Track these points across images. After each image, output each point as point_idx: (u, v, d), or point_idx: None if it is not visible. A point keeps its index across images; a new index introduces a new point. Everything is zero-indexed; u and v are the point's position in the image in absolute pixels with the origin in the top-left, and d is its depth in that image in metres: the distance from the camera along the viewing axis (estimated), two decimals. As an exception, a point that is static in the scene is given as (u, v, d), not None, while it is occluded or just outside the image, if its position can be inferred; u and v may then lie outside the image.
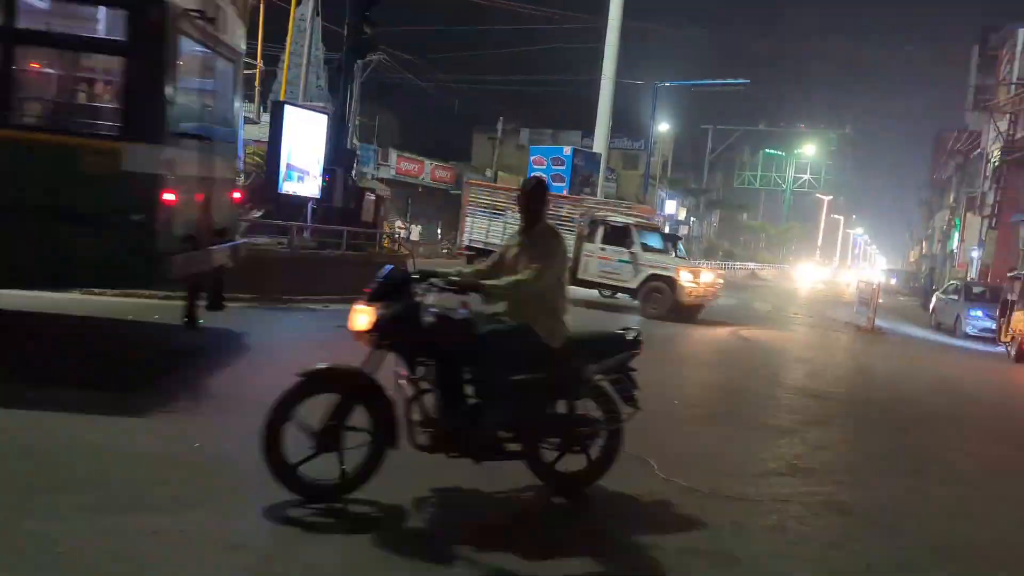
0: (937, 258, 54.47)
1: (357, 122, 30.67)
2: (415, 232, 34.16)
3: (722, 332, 15.72)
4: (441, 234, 40.74)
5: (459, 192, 41.85)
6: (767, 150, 61.02)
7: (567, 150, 25.54)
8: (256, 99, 17.43)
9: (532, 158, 26.15)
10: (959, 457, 7.24)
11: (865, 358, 14.57)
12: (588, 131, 60.33)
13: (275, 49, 21.51)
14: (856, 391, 10.46)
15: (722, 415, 7.78)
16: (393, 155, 35.75)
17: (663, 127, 45.69)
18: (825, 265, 49.95)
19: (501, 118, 45.28)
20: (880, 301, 20.96)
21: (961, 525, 5.18)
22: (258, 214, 16.36)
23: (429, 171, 38.92)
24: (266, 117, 21.63)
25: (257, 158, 16.48)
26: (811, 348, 15.05)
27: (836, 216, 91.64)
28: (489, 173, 44.85)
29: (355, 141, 21.81)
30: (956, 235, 47.29)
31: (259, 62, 17.11)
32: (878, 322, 20.13)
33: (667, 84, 33.52)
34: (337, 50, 21.34)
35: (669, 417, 7.43)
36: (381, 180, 31.77)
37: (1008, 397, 12.56)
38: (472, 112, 54.78)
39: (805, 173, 62.00)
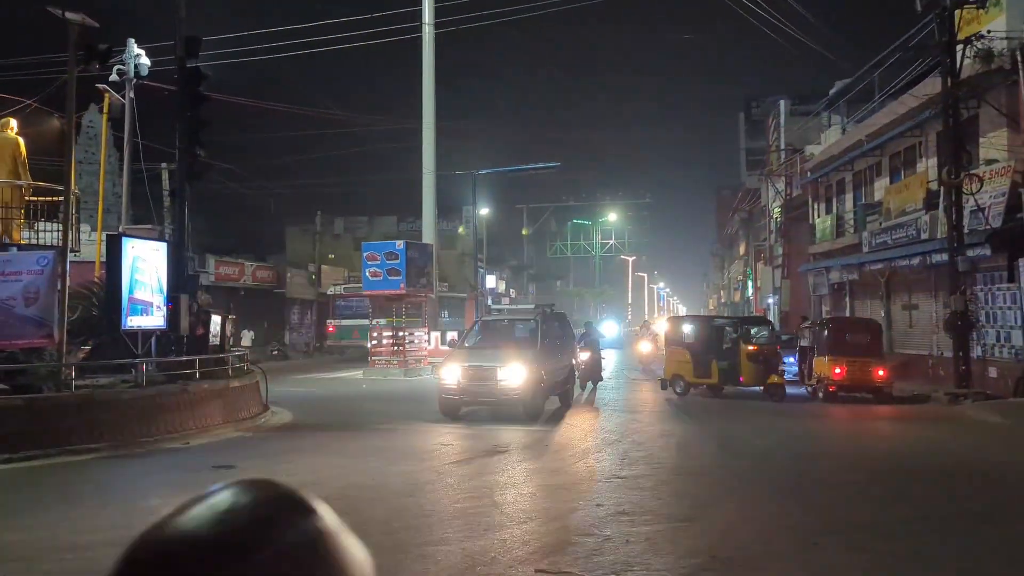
0: (738, 306, 59.37)
1: (170, 232, 29.35)
2: (247, 338, 32.79)
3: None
4: (268, 336, 39.33)
5: (282, 291, 40.85)
6: (575, 220, 64.57)
7: (399, 244, 25.75)
8: (74, 226, 16.31)
9: (365, 254, 26.10)
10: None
11: (695, 409, 15.68)
12: (403, 215, 61.27)
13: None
14: (695, 443, 11.26)
15: (627, 511, 8.16)
16: (211, 260, 34.37)
17: (483, 211, 47.18)
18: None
19: (319, 212, 44.89)
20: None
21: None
22: (88, 348, 15.24)
23: (250, 273, 37.71)
24: (84, 240, 20.28)
25: (84, 290, 15.39)
26: (667, 416, 16.00)
27: (641, 274, 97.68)
28: (312, 267, 44.15)
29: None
30: (751, 284, 51.92)
31: (74, 188, 16.11)
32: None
33: (484, 172, 34.85)
34: (136, 160, 20.52)
35: (582, 521, 7.72)
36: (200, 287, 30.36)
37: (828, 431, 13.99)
38: (282, 206, 54.00)
39: (611, 238, 66.04)
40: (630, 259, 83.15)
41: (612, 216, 62.99)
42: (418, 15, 28.50)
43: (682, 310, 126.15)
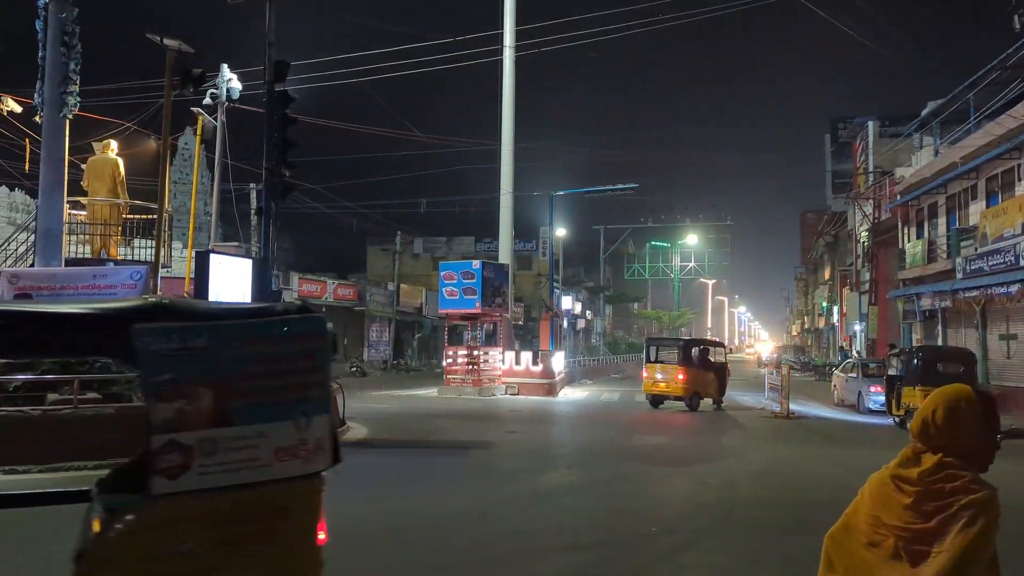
0: (823, 332, 57.60)
1: (256, 250, 30.44)
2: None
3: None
4: (347, 352, 40.14)
5: (363, 308, 41.67)
6: (653, 242, 63.95)
7: (476, 264, 26.00)
8: (167, 243, 17.05)
9: (442, 274, 26.43)
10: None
11: (800, 449, 15.13)
12: (480, 236, 61.87)
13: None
14: (823, 495, 10.86)
15: (702, 539, 7.93)
16: (295, 278, 35.38)
17: (560, 232, 47.36)
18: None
19: (400, 232, 45.73)
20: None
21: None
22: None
23: (332, 290, 38.64)
24: (176, 256, 21.22)
25: (174, 304, 16.00)
26: (743, 441, 15.54)
27: (720, 297, 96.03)
28: (391, 286, 44.92)
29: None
30: (836, 310, 50.34)
31: (167, 205, 16.83)
32: (791, 406, 21.14)
33: (561, 193, 34.91)
34: (225, 180, 21.34)
35: (656, 548, 7.53)
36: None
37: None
38: (364, 225, 55.34)
39: (690, 261, 65.13)
40: (710, 282, 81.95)
41: (692, 238, 62.15)
42: (499, 39, 28.86)
43: (763, 335, 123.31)
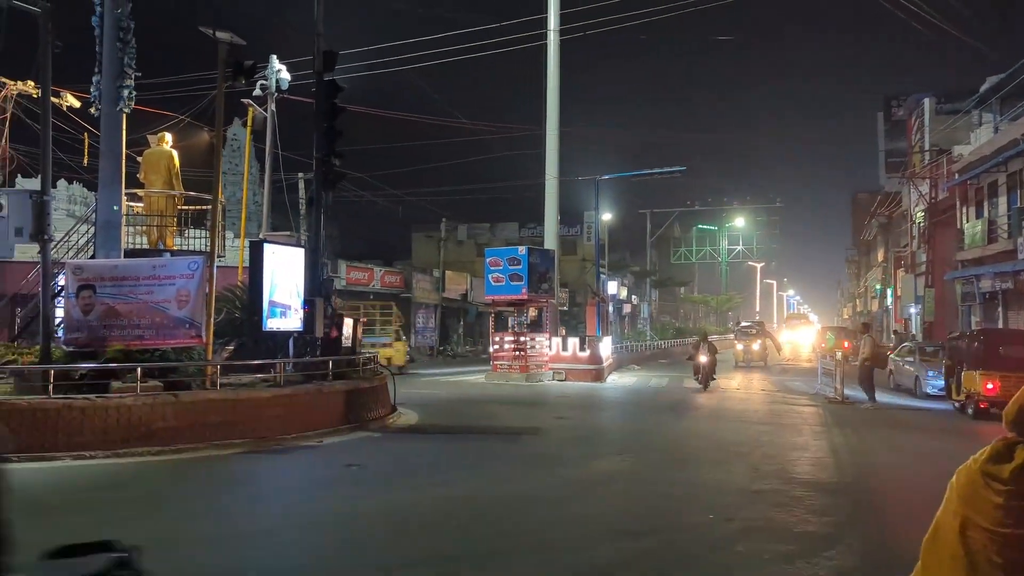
0: (876, 316, 56.38)
1: (305, 238, 30.83)
2: (373, 342, 33.85)
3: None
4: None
5: (409, 296, 41.99)
6: (700, 225, 63.15)
7: (522, 250, 25.96)
8: (221, 233, 17.31)
9: (488, 260, 26.44)
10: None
11: (858, 435, 14.85)
12: (524, 222, 61.75)
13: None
14: (878, 482, 10.66)
15: (760, 527, 7.83)
16: (343, 266, 35.75)
17: (605, 216, 47.01)
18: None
19: (444, 219, 45.87)
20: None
21: None
22: (231, 348, 16.12)
23: (379, 277, 38.97)
24: (229, 246, 21.58)
25: (228, 293, 16.29)
26: (798, 427, 15.31)
27: (769, 281, 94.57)
28: (436, 272, 45.15)
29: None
30: (891, 292, 49.23)
31: (220, 197, 17.07)
32: (845, 391, 20.76)
33: (607, 177, 34.61)
34: (275, 169, 21.58)
35: (713, 535, 7.46)
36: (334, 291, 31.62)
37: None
38: (409, 212, 55.63)
39: (738, 244, 64.17)
40: (758, 265, 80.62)
41: (739, 221, 61.20)
42: (543, 23, 28.65)
43: (813, 319, 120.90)
